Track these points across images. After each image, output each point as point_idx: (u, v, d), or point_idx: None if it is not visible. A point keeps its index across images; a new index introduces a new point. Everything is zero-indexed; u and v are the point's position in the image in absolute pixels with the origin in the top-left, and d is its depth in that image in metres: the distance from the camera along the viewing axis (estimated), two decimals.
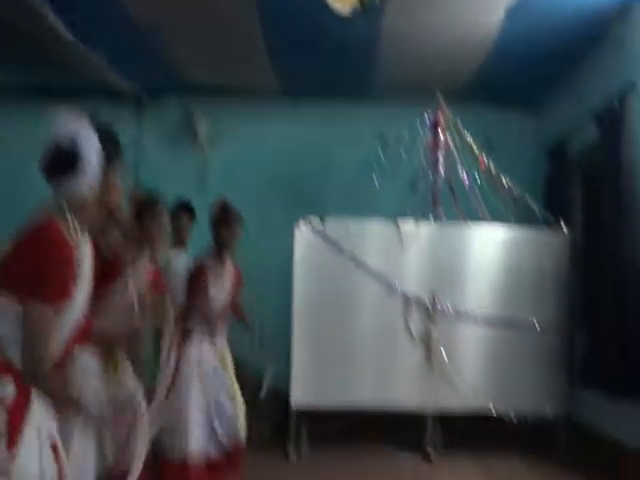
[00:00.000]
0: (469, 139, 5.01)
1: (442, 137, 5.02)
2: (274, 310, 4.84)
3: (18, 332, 1.53)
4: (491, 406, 4.58)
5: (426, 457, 4.52)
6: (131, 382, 2.39)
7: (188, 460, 3.13)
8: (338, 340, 4.52)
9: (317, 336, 4.54)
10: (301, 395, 4.47)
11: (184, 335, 3.26)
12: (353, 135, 6.31)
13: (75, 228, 1.65)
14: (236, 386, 3.46)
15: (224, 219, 3.48)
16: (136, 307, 2.44)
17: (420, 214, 5.00)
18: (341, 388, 4.46)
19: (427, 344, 4.62)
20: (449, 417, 4.60)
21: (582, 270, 4.92)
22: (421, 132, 5.13)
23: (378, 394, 4.57)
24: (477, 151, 5.01)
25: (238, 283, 3.62)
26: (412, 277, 4.71)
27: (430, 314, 4.65)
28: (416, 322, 4.65)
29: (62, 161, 1.63)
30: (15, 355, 1.54)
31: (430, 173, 5.03)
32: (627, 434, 4.14)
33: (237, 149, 6.42)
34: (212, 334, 3.42)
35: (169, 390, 2.93)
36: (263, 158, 6.32)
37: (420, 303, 4.66)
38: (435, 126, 5.04)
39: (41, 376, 1.54)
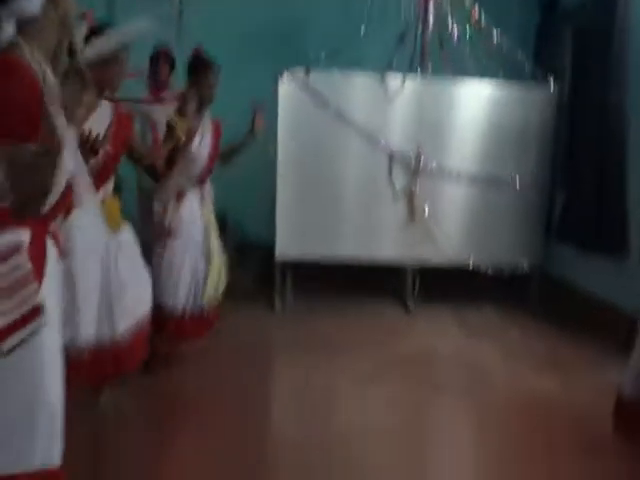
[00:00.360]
0: None
1: None
2: (258, 165, 4.79)
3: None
4: (469, 259, 4.74)
5: (406, 309, 4.72)
6: None
7: (175, 313, 3.23)
8: (322, 194, 4.52)
9: (301, 190, 4.54)
10: (285, 247, 4.53)
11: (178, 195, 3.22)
12: None
13: (36, 58, 1.48)
14: (215, 244, 3.43)
15: (200, 69, 3.31)
16: None
17: (407, 67, 4.84)
18: (324, 241, 4.54)
19: (410, 199, 4.67)
20: (428, 270, 4.75)
21: (566, 126, 4.90)
22: None
23: (360, 247, 4.67)
24: (468, 2, 4.76)
25: (218, 135, 3.52)
26: (397, 132, 4.64)
27: (413, 169, 4.65)
28: (399, 177, 4.66)
29: None
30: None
31: (419, 24, 4.79)
32: (597, 286, 4.37)
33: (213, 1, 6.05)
34: (200, 193, 3.35)
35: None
36: (243, 6, 5.96)
37: (404, 158, 4.64)
38: None
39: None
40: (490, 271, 4.73)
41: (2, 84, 1.40)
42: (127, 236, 2.66)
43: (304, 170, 4.51)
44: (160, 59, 4.23)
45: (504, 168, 4.72)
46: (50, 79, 1.50)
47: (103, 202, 2.53)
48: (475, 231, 4.80)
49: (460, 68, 4.80)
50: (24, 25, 1.46)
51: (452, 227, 4.75)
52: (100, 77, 2.34)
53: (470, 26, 4.82)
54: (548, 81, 4.76)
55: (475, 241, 4.79)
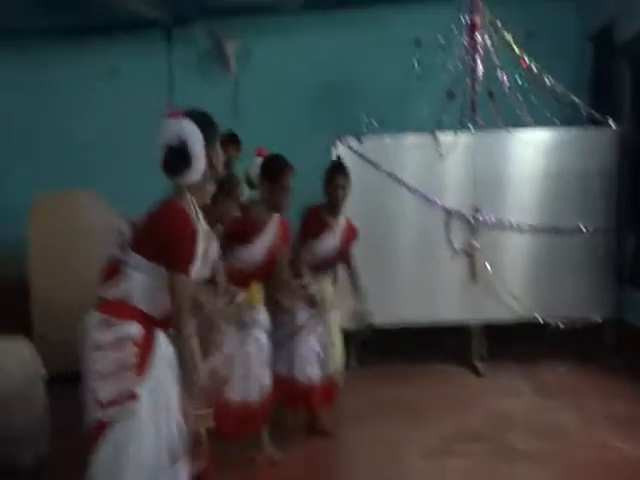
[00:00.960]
0: (509, 38, 4.72)
1: (479, 39, 4.74)
2: None
3: (151, 283, 1.94)
4: (537, 313, 4.59)
5: (474, 371, 4.58)
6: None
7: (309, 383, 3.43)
8: (380, 257, 4.53)
9: (360, 255, 4.57)
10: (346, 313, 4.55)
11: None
12: (385, 43, 6.07)
13: (195, 209, 2.04)
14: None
15: (332, 179, 3.51)
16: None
17: (458, 123, 4.84)
18: (385, 305, 4.50)
19: (470, 256, 4.61)
20: (495, 328, 4.63)
21: (631, 167, 4.72)
22: (457, 35, 4.85)
23: (422, 309, 4.62)
24: (517, 50, 4.72)
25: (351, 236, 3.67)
26: (452, 189, 4.64)
27: (472, 226, 4.60)
28: (458, 235, 4.61)
29: (176, 161, 1.95)
30: (143, 303, 1.95)
31: (467, 78, 4.80)
32: None
33: (267, 68, 6.32)
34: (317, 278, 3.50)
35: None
36: (294, 74, 6.20)
37: (461, 215, 4.61)
38: (472, 27, 4.75)
39: (183, 324, 1.94)
40: (561, 324, 4.55)
41: (169, 222, 1.94)
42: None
43: (361, 235, 4.54)
44: (228, 144, 4.25)
45: (568, 216, 4.59)
46: (201, 221, 2.06)
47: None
48: (542, 284, 4.66)
49: (513, 118, 4.77)
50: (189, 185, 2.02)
51: (517, 281, 4.63)
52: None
53: (520, 74, 4.79)
54: (607, 122, 4.62)
55: (543, 294, 4.65)
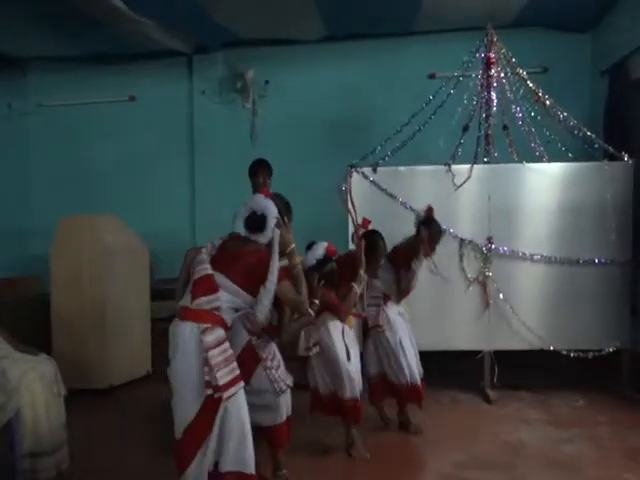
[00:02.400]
0: (523, 73, 4.82)
1: (494, 73, 4.85)
2: None
3: (235, 301, 2.57)
4: (551, 343, 4.60)
5: (486, 398, 4.59)
6: None
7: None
8: None
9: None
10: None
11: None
12: (401, 75, 6.23)
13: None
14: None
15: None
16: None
17: (473, 155, 4.93)
18: None
19: (483, 285, 4.65)
20: (508, 356, 4.64)
21: None
22: (472, 69, 4.96)
23: (434, 337, 4.66)
24: (532, 84, 4.82)
25: None
26: (466, 220, 4.71)
27: (485, 255, 4.66)
28: (471, 264, 4.67)
29: (257, 224, 2.67)
30: (227, 317, 2.54)
31: (482, 112, 4.89)
32: None
33: (285, 98, 6.49)
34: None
35: None
36: (311, 104, 6.35)
37: (475, 245, 4.67)
38: (487, 62, 4.86)
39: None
40: (574, 354, 4.56)
41: (260, 263, 2.62)
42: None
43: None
44: (260, 170, 4.36)
45: (582, 249, 4.64)
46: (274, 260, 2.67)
47: None
48: (556, 314, 4.68)
49: (527, 152, 4.85)
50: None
51: (530, 311, 4.66)
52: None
53: (535, 108, 4.87)
54: (622, 155, 4.68)
55: (556, 325, 4.67)
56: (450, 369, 5.03)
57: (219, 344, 2.46)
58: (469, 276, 4.69)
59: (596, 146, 4.82)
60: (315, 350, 3.49)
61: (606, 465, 3.43)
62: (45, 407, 3.08)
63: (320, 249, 3.47)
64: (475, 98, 4.91)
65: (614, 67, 5.39)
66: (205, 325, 2.46)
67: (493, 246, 4.66)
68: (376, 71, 6.32)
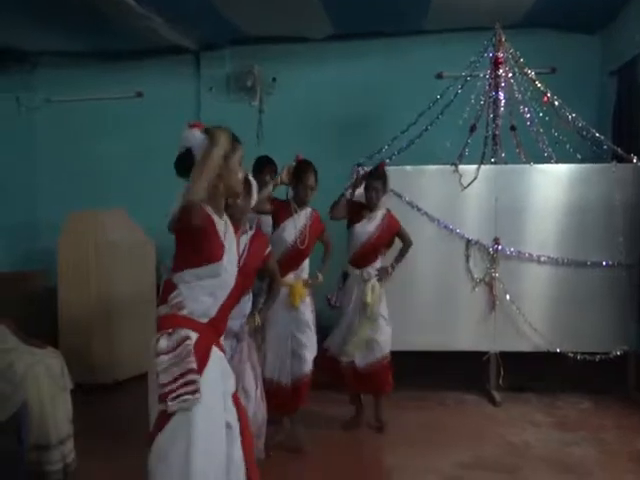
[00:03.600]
0: (532, 74, 4.81)
1: (502, 73, 4.83)
2: (335, 258, 4.94)
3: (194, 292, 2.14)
4: (557, 345, 4.58)
5: (491, 400, 4.57)
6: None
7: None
8: (399, 284, 4.57)
9: None
10: None
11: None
12: (410, 74, 6.20)
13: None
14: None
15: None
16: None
17: (480, 155, 4.92)
18: (403, 330, 4.54)
19: (489, 286, 4.64)
20: (514, 358, 4.63)
21: None
22: (480, 69, 4.95)
23: (440, 337, 4.66)
24: (540, 85, 4.80)
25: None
26: (473, 220, 4.69)
27: (492, 256, 4.65)
28: (478, 265, 4.66)
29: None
30: (192, 308, 2.13)
31: (490, 112, 4.88)
32: None
33: (292, 95, 6.47)
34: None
35: None
36: (318, 102, 6.34)
37: (481, 245, 4.66)
38: (495, 62, 4.84)
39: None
40: (580, 357, 4.54)
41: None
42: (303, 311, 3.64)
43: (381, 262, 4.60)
44: (265, 168, 4.28)
45: (589, 250, 4.61)
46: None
47: (291, 285, 3.58)
48: (562, 316, 4.66)
49: (534, 152, 4.83)
50: None
51: (537, 313, 4.64)
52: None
53: (543, 108, 4.85)
54: (630, 157, 4.66)
55: (563, 326, 4.65)
56: (456, 370, 5.02)
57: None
58: (475, 277, 4.67)
59: (604, 147, 4.80)
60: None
61: (612, 468, 3.42)
62: (51, 400, 3.09)
63: None
64: (483, 98, 4.90)
65: (623, 68, 5.37)
66: None
67: (500, 247, 4.64)
68: (383, 70, 6.30)
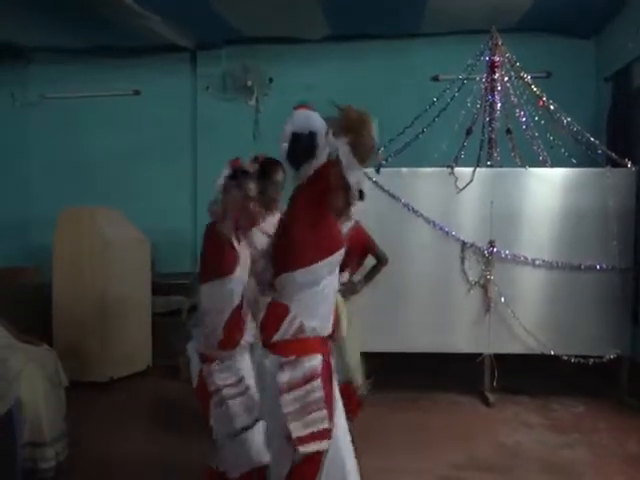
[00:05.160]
0: (527, 78, 4.83)
1: (498, 77, 4.86)
2: None
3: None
4: (551, 348, 4.60)
5: (485, 401, 4.59)
6: None
7: None
8: (395, 285, 4.58)
9: (375, 282, 4.63)
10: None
11: None
12: (406, 76, 6.23)
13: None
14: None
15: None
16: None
17: (476, 158, 4.94)
18: (397, 332, 4.58)
19: (484, 288, 4.66)
20: (508, 360, 4.64)
21: None
22: (477, 73, 4.97)
23: (435, 338, 4.67)
24: (536, 89, 4.83)
25: None
26: (468, 222, 4.71)
27: (487, 259, 4.67)
28: (473, 267, 4.67)
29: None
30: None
31: (486, 115, 4.90)
32: None
33: (288, 95, 6.44)
34: None
35: None
36: (315, 105, 6.32)
37: (476, 248, 4.68)
38: (491, 66, 4.87)
39: None
40: (574, 360, 4.57)
41: None
42: None
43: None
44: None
45: (584, 254, 4.64)
46: None
47: None
48: (556, 319, 4.68)
49: (530, 156, 4.86)
50: None
51: (531, 315, 4.66)
52: None
53: (538, 112, 4.88)
54: (625, 162, 4.69)
55: (557, 329, 4.67)
56: (450, 372, 5.03)
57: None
58: (470, 279, 4.68)
59: (599, 152, 4.84)
60: None
61: (604, 471, 3.43)
62: (45, 397, 3.08)
63: None
64: (479, 101, 4.93)
65: (617, 74, 5.41)
66: None
67: (495, 250, 4.66)
68: (380, 72, 6.32)
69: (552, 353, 4.60)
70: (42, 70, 6.83)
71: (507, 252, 4.67)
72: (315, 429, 1.88)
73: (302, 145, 1.99)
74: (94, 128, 6.78)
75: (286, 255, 1.95)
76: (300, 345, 1.93)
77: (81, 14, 5.38)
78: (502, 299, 4.64)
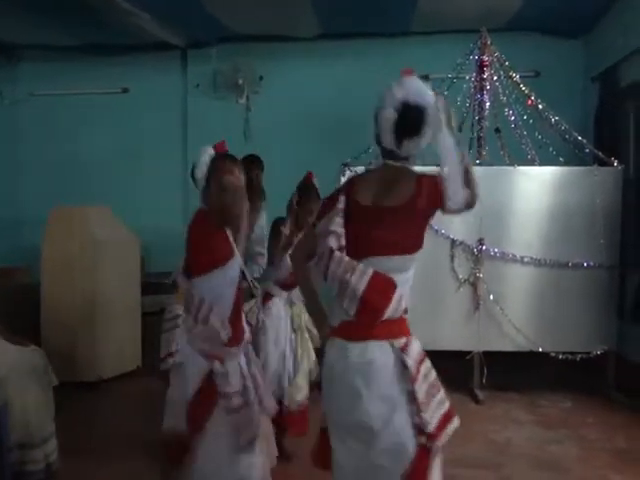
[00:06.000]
0: (516, 77, 4.87)
1: (487, 76, 4.88)
2: None
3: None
4: (539, 345, 4.65)
5: (474, 398, 4.62)
6: None
7: None
8: None
9: None
10: None
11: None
12: (397, 75, 6.22)
13: None
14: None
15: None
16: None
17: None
18: None
19: (474, 286, 4.69)
20: (496, 357, 4.68)
21: (634, 205, 4.82)
22: (466, 71, 5.00)
23: (424, 336, 4.67)
24: (524, 88, 4.86)
25: None
26: (458, 220, 4.68)
27: (476, 256, 4.70)
28: (462, 265, 4.71)
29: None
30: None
31: (475, 114, 4.93)
32: None
33: (279, 94, 6.47)
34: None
35: None
36: (306, 101, 6.35)
37: (466, 246, 4.71)
38: (480, 65, 4.90)
39: None
40: (562, 356, 4.61)
41: None
42: None
43: None
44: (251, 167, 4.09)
45: (572, 252, 4.68)
46: None
47: None
48: (544, 316, 4.73)
49: (518, 155, 4.89)
50: None
51: (519, 313, 4.70)
52: None
53: (527, 111, 4.92)
54: (611, 161, 4.74)
55: (545, 326, 4.72)
56: (439, 369, 5.03)
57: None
58: (460, 277, 4.72)
59: (587, 151, 4.89)
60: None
61: (592, 465, 3.48)
62: (34, 398, 3.06)
63: None
64: (468, 100, 4.95)
65: (604, 74, 5.46)
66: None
67: (484, 247, 4.70)
68: (370, 70, 6.31)
69: (540, 350, 4.65)
70: (31, 68, 6.79)
71: (496, 250, 4.70)
72: (443, 411, 1.82)
73: (411, 118, 1.84)
74: (84, 126, 6.75)
75: (410, 238, 1.89)
76: (405, 325, 1.89)
77: (71, 12, 5.35)
78: (491, 297, 4.68)
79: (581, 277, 4.70)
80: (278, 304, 3.48)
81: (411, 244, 1.87)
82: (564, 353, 4.62)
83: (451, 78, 4.96)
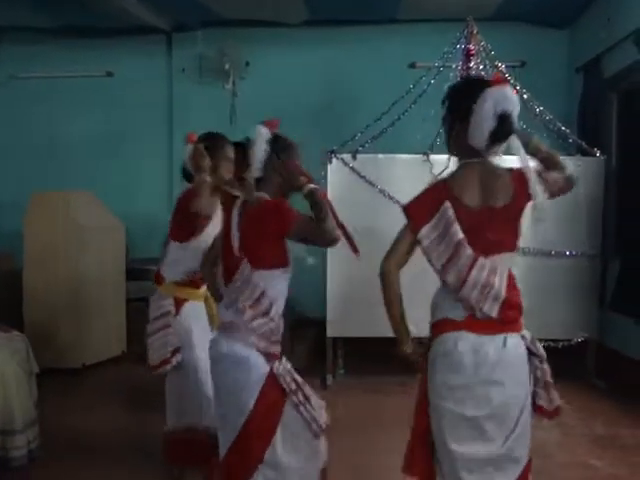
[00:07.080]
0: (502, 66, 4.88)
1: (474, 65, 4.90)
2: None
3: None
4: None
5: None
6: None
7: None
8: (371, 271, 4.60)
9: (350, 268, 4.66)
10: (337, 323, 4.67)
11: None
12: (383, 62, 6.23)
13: None
14: None
15: None
16: None
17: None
18: (374, 317, 4.56)
19: None
20: None
21: (616, 195, 4.89)
22: (452, 60, 5.01)
23: (411, 322, 4.71)
24: (510, 78, 4.87)
25: None
26: None
27: None
28: None
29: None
30: None
31: None
32: None
33: (265, 80, 6.42)
34: None
35: None
36: (292, 88, 6.31)
37: None
38: (467, 54, 4.91)
39: None
40: (544, 344, 4.66)
41: None
42: None
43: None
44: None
45: (554, 241, 4.73)
46: None
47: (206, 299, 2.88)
48: (528, 304, 4.67)
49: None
50: None
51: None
52: None
53: None
54: (594, 152, 4.79)
55: (528, 314, 4.64)
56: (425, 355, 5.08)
57: None
58: None
59: (570, 141, 4.93)
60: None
61: (573, 451, 3.56)
62: (16, 384, 3.05)
63: None
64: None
65: (588, 64, 5.50)
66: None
67: None
68: (357, 58, 6.31)
69: None
70: (12, 50, 6.65)
71: None
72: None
73: (508, 127, 1.98)
74: (66, 109, 6.64)
75: (517, 235, 2.08)
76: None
77: None
78: None
79: (563, 266, 4.76)
80: None
81: (517, 240, 2.06)
82: (546, 340, 4.65)
83: (437, 67, 4.95)
